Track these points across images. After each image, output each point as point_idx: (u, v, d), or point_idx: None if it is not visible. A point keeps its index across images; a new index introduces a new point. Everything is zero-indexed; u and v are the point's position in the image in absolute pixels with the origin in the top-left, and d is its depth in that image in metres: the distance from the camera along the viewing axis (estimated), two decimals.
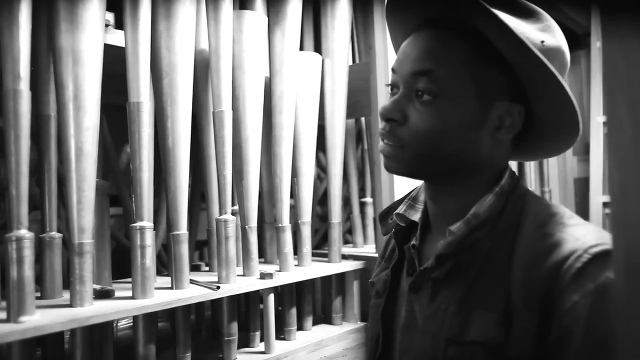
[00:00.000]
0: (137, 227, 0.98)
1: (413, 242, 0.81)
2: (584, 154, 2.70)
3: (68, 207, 0.92)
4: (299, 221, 1.35)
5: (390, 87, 0.78)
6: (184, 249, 1.07)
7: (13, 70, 0.83)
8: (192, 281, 1.11)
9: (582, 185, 2.73)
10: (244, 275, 1.21)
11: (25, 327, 0.78)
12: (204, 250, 1.92)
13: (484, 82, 0.71)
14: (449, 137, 0.72)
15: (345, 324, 1.41)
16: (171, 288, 1.06)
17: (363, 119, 1.78)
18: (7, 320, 0.81)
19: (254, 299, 1.23)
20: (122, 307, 0.91)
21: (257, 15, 1.23)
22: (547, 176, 2.49)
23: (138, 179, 0.99)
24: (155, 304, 0.95)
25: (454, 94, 0.71)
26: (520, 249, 0.69)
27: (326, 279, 1.42)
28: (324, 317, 1.47)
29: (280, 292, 1.32)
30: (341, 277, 1.42)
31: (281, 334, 1.27)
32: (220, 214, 1.14)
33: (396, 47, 0.84)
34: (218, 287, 1.06)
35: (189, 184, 1.19)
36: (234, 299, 1.14)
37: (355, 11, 1.69)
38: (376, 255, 1.45)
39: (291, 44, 1.29)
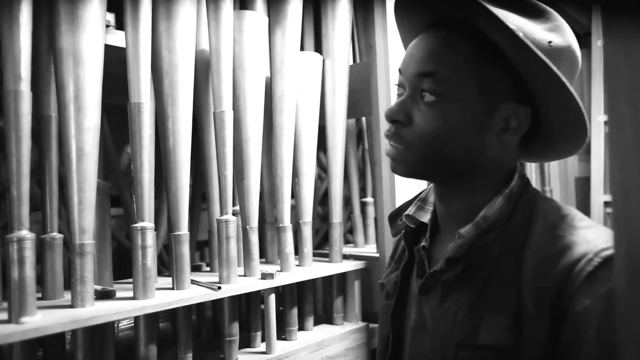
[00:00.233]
0: (138, 228, 0.98)
1: (423, 243, 0.80)
2: (585, 153, 2.70)
3: (69, 207, 0.92)
4: (300, 221, 1.35)
5: (397, 87, 0.78)
6: (185, 250, 1.07)
7: (14, 71, 0.83)
8: (193, 281, 1.11)
9: (583, 185, 2.73)
10: (245, 275, 1.21)
11: (26, 328, 0.78)
12: (205, 251, 1.92)
13: (489, 84, 0.71)
14: (454, 138, 0.71)
15: (346, 324, 1.41)
16: (172, 288, 1.06)
17: (364, 118, 1.78)
18: (8, 321, 0.81)
19: (255, 299, 1.23)
20: (124, 307, 0.91)
21: (257, 15, 1.23)
22: (548, 175, 2.49)
23: (139, 180, 0.99)
24: (156, 305, 0.95)
25: (458, 95, 0.71)
26: (531, 252, 0.69)
27: (327, 279, 1.42)
28: (325, 317, 1.47)
29: (282, 292, 1.32)
30: (342, 277, 1.42)
31: (282, 334, 1.27)
32: (221, 214, 1.14)
33: (405, 47, 0.84)
34: (219, 288, 1.06)
35: (190, 185, 1.19)
36: (235, 299, 1.14)
37: (355, 11, 1.70)
38: (377, 255, 1.45)
39: (292, 44, 1.29)
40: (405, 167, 0.75)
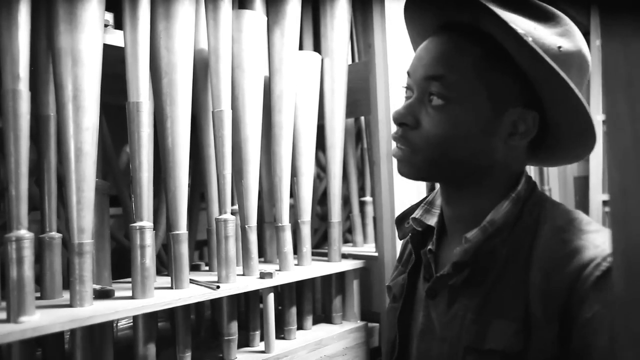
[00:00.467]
0: (137, 227, 0.98)
1: (429, 246, 0.80)
2: None
3: (68, 207, 0.92)
4: (299, 220, 1.35)
5: (405, 89, 0.77)
6: (184, 249, 1.07)
7: (12, 71, 0.83)
8: (192, 281, 1.11)
9: (582, 184, 2.73)
10: (243, 274, 1.21)
11: (25, 328, 0.78)
12: (204, 250, 1.92)
13: (497, 88, 0.70)
14: (461, 142, 0.71)
15: (345, 323, 1.41)
16: (171, 288, 1.06)
17: (362, 118, 1.78)
18: (7, 320, 0.81)
19: (253, 298, 1.23)
20: (122, 307, 0.91)
21: (256, 15, 1.23)
22: (547, 175, 2.49)
23: (138, 179, 0.99)
24: (155, 304, 0.95)
25: (466, 99, 0.70)
26: (538, 256, 0.68)
27: (326, 278, 1.42)
28: (324, 317, 1.47)
29: (280, 291, 1.32)
30: (341, 276, 1.42)
31: (281, 334, 1.27)
32: (220, 213, 1.14)
33: (415, 49, 0.84)
34: (218, 287, 1.06)
35: (189, 184, 1.19)
36: (234, 299, 1.14)
37: (354, 10, 1.69)
38: (376, 254, 1.45)
39: (290, 43, 1.29)
40: (412, 169, 0.75)
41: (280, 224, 1.29)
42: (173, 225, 1.07)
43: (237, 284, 1.12)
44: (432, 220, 0.83)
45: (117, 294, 1.01)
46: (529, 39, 0.67)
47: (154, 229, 1.16)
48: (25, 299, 0.81)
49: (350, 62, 1.67)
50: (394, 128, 1.38)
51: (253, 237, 1.22)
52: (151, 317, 0.99)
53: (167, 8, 1.04)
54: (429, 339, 0.76)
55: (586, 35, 2.71)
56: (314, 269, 1.32)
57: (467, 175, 0.74)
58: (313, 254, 1.42)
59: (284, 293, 1.29)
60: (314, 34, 1.75)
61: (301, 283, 1.34)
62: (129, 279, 1.00)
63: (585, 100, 0.69)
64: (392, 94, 1.41)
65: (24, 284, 0.81)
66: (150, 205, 1.03)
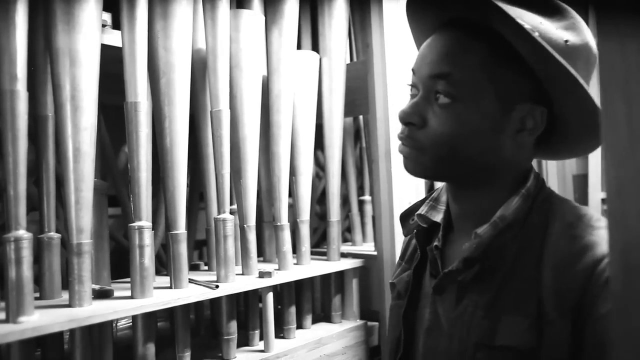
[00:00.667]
0: (136, 227, 0.98)
1: (435, 243, 0.79)
2: None
3: (66, 207, 0.92)
4: (298, 220, 1.35)
5: (410, 87, 0.77)
6: (183, 249, 1.07)
7: (10, 71, 0.83)
8: (191, 280, 1.11)
9: (581, 182, 2.73)
10: (242, 274, 1.21)
11: (24, 328, 0.78)
12: (203, 250, 1.93)
13: (504, 85, 0.70)
14: (468, 140, 0.70)
15: (344, 322, 1.41)
16: (170, 287, 1.06)
17: (361, 117, 1.78)
18: (6, 320, 0.81)
19: (253, 297, 1.23)
20: (121, 306, 0.91)
21: (254, 14, 1.23)
22: (546, 172, 2.49)
23: (136, 179, 0.99)
24: (154, 304, 0.95)
25: (472, 97, 0.69)
26: (550, 252, 0.68)
27: (325, 278, 1.42)
28: (323, 316, 1.47)
29: (280, 290, 1.32)
30: (340, 275, 1.42)
31: (280, 333, 1.27)
32: (219, 213, 1.14)
33: (418, 46, 0.83)
34: (217, 286, 1.06)
35: (187, 184, 1.19)
36: (233, 298, 1.14)
37: (352, 10, 1.69)
38: (375, 253, 1.45)
39: (288, 42, 1.29)
40: (419, 167, 0.74)
41: (279, 223, 1.29)
42: (172, 225, 1.07)
43: (236, 283, 1.12)
44: (438, 217, 0.82)
45: (116, 293, 1.01)
46: (535, 34, 0.66)
47: (153, 229, 1.16)
48: (24, 299, 0.81)
49: (348, 61, 1.68)
50: (392, 127, 1.40)
51: (252, 237, 1.22)
52: (150, 317, 1.00)
53: (164, 8, 1.04)
54: (436, 336, 0.76)
55: None
56: (313, 268, 1.32)
57: (475, 172, 0.74)
58: (312, 253, 1.42)
59: (283, 292, 1.30)
60: (312, 33, 1.75)
61: (300, 282, 1.34)
62: (128, 279, 1.00)
63: (593, 93, 0.68)
64: (391, 93, 1.41)
65: (22, 284, 0.81)
66: (149, 205, 1.03)
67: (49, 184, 1.01)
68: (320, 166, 2.07)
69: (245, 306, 1.29)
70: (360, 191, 1.84)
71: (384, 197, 1.42)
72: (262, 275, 1.16)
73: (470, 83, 0.70)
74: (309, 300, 1.37)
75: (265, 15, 1.30)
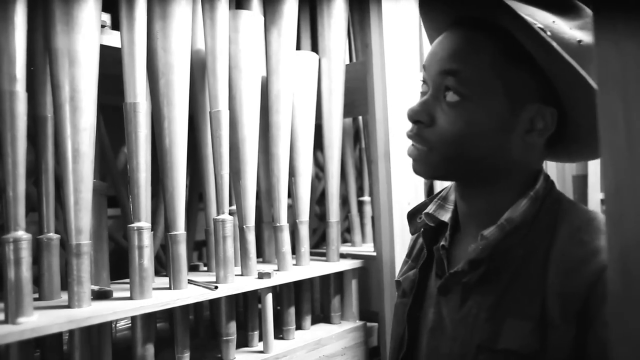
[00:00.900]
0: (135, 228, 0.98)
1: (442, 242, 0.79)
2: None
3: (65, 208, 0.92)
4: (297, 220, 1.35)
5: (421, 83, 0.76)
6: (182, 249, 1.07)
7: (9, 72, 0.83)
8: (190, 281, 1.11)
9: (581, 183, 2.73)
10: (242, 275, 1.21)
11: (23, 329, 0.78)
12: (203, 250, 1.93)
13: (515, 85, 0.69)
14: (476, 140, 0.70)
15: (344, 323, 1.41)
16: (169, 288, 1.06)
17: (360, 117, 1.78)
18: (5, 321, 0.81)
19: (252, 298, 1.23)
20: (121, 307, 0.91)
21: (253, 15, 1.23)
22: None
23: (135, 180, 0.99)
24: (153, 305, 0.95)
25: (481, 95, 0.69)
26: (556, 256, 0.67)
27: (325, 278, 1.42)
28: (322, 316, 1.47)
29: (279, 291, 1.32)
30: (339, 276, 1.42)
31: (280, 334, 1.27)
32: (218, 213, 1.14)
33: (431, 43, 0.82)
34: (216, 287, 1.06)
35: (187, 184, 1.19)
36: (232, 299, 1.14)
37: (351, 10, 1.69)
38: (374, 254, 1.45)
39: (287, 43, 1.30)
40: (428, 168, 0.74)
41: (278, 224, 1.29)
42: (171, 225, 1.07)
43: (236, 284, 1.12)
44: (446, 216, 0.82)
45: (115, 294, 1.01)
46: (547, 34, 0.65)
47: (152, 230, 1.16)
48: (23, 300, 0.81)
49: (347, 62, 1.68)
50: (391, 128, 1.40)
51: (251, 238, 1.22)
52: (149, 318, 0.99)
53: (163, 8, 1.04)
54: (439, 336, 0.75)
55: None
56: (312, 268, 1.32)
57: (483, 173, 0.73)
58: (311, 253, 1.42)
59: (282, 293, 1.30)
60: (311, 33, 1.75)
61: (299, 283, 1.34)
62: (127, 280, 1.00)
63: None
64: (390, 93, 1.41)
65: (22, 285, 0.81)
66: (148, 206, 1.03)
67: (48, 184, 1.01)
68: (319, 167, 2.07)
69: (244, 307, 1.29)
70: (360, 192, 1.84)
71: (383, 197, 1.42)
72: (261, 276, 1.16)
73: (479, 81, 0.69)
74: (308, 301, 1.37)
75: (265, 16, 1.30)
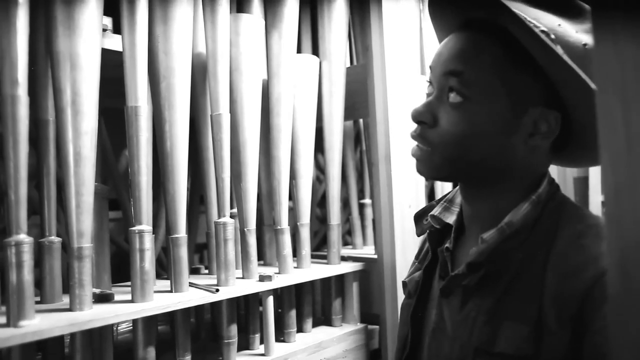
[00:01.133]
0: (136, 231, 0.99)
1: (447, 245, 0.79)
2: None
3: (67, 211, 0.92)
4: (298, 223, 1.35)
5: (428, 84, 0.77)
6: (183, 252, 1.07)
7: (11, 76, 0.83)
8: (191, 284, 1.11)
9: (582, 184, 2.73)
10: (243, 277, 1.21)
11: (25, 332, 0.78)
12: (204, 253, 1.93)
13: (517, 87, 0.69)
14: (478, 141, 0.70)
15: (345, 326, 1.41)
16: (170, 291, 1.06)
17: (361, 120, 1.79)
18: (7, 324, 0.81)
19: (253, 301, 1.23)
20: (122, 310, 0.91)
21: (254, 18, 1.23)
22: None
23: (137, 183, 0.99)
24: (154, 307, 0.95)
25: (483, 97, 0.69)
26: (555, 261, 0.67)
27: (326, 281, 1.42)
28: (323, 319, 1.47)
29: (280, 294, 1.32)
30: (341, 278, 1.42)
31: (281, 336, 1.27)
32: (219, 216, 1.14)
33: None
34: (217, 290, 1.06)
35: (188, 187, 1.19)
36: (234, 302, 1.14)
37: (352, 12, 1.70)
38: (375, 256, 1.45)
39: (288, 46, 1.30)
40: (430, 169, 0.74)
41: (279, 227, 1.29)
42: (172, 228, 1.07)
43: (237, 287, 1.12)
44: (451, 219, 0.82)
45: (116, 297, 1.01)
46: (551, 37, 0.65)
47: (154, 233, 1.16)
48: (25, 303, 0.81)
49: (348, 64, 1.68)
50: (392, 130, 1.40)
51: (252, 240, 1.22)
52: (151, 321, 1.00)
53: (164, 12, 1.04)
54: (441, 338, 0.75)
55: None
56: (313, 271, 1.32)
57: (486, 175, 0.73)
58: (312, 256, 1.42)
59: (283, 296, 1.30)
60: (312, 36, 1.75)
61: (300, 286, 1.34)
62: (129, 283, 1.00)
63: None
64: (390, 96, 1.41)
65: (23, 288, 0.81)
66: (149, 209, 1.03)
67: (49, 188, 1.01)
68: (320, 169, 2.07)
69: (245, 310, 1.29)
70: (361, 194, 1.84)
71: (384, 200, 1.42)
72: (262, 278, 1.16)
73: (482, 83, 0.69)
74: (309, 304, 1.37)
75: (265, 19, 1.31)
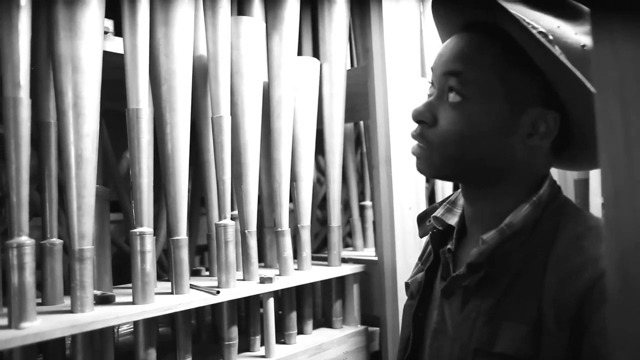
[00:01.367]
0: (137, 233, 0.99)
1: (449, 246, 0.80)
2: None
3: (68, 213, 0.92)
4: (299, 225, 1.36)
5: (430, 85, 0.77)
6: (184, 254, 1.07)
7: (13, 78, 0.83)
8: (192, 286, 1.11)
9: (582, 187, 2.73)
10: (243, 279, 1.21)
11: (26, 333, 0.78)
12: (205, 255, 1.93)
13: (515, 88, 0.70)
14: (477, 141, 0.70)
15: (345, 328, 1.41)
16: (171, 293, 1.07)
17: (362, 122, 1.79)
18: (8, 326, 0.81)
19: (254, 303, 1.23)
20: (123, 312, 0.92)
21: (254, 21, 1.23)
22: None
23: (138, 185, 1.00)
24: (155, 309, 0.96)
25: (482, 97, 0.70)
26: (555, 262, 0.67)
27: (326, 283, 1.42)
28: (324, 321, 1.47)
29: (280, 296, 1.32)
30: (341, 280, 1.42)
31: (281, 338, 1.27)
32: (220, 218, 1.14)
33: None
34: (218, 292, 1.07)
35: (189, 190, 1.20)
36: (234, 304, 1.14)
37: (352, 15, 1.70)
38: (376, 258, 1.45)
39: (289, 48, 1.30)
40: (430, 167, 0.75)
41: (280, 229, 1.30)
42: (173, 230, 1.08)
43: (237, 289, 1.12)
44: (453, 220, 0.82)
45: (117, 299, 1.01)
46: (549, 38, 0.66)
47: (155, 235, 1.17)
48: (26, 305, 0.82)
49: (349, 67, 1.68)
50: (392, 132, 1.40)
51: (253, 242, 1.22)
52: (152, 322, 1.00)
53: (166, 15, 1.05)
54: (441, 338, 0.76)
55: None
56: (314, 273, 1.32)
57: (485, 175, 0.74)
58: (313, 258, 1.42)
59: (284, 298, 1.30)
60: (312, 38, 1.76)
61: (301, 287, 1.34)
62: (130, 285, 1.00)
63: None
64: (391, 98, 1.42)
65: (25, 290, 0.82)
66: (150, 211, 1.03)
67: (51, 190, 1.02)
68: (321, 171, 2.07)
69: (246, 311, 1.29)
70: (361, 196, 1.84)
71: (385, 202, 1.43)
72: (263, 280, 1.16)
73: (480, 83, 0.70)
74: (309, 306, 1.37)
75: (266, 22, 1.31)
